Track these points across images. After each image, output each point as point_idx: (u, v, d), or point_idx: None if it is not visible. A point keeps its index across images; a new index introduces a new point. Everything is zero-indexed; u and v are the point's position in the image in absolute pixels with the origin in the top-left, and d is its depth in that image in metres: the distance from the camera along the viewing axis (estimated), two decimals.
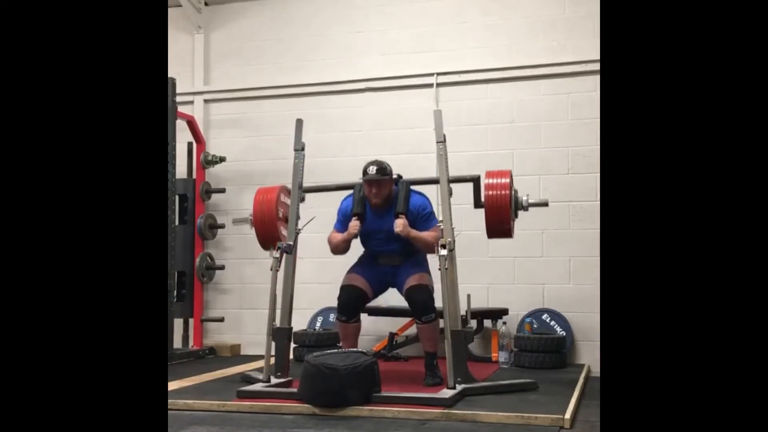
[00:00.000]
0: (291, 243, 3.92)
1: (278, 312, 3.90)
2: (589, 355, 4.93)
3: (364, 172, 3.94)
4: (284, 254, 3.85)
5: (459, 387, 3.50)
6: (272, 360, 3.79)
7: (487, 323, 5.04)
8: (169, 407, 3.14)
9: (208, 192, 5.76)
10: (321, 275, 5.33)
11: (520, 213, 4.13)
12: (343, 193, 4.24)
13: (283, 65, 5.86)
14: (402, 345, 5.06)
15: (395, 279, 4.03)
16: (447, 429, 3.00)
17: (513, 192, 4.02)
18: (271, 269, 3.78)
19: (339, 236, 4.03)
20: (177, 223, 5.48)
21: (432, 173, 4.47)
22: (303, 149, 4.23)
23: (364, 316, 4.19)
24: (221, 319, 5.72)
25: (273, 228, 4.22)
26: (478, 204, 4.14)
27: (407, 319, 4.91)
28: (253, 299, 5.66)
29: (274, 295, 3.80)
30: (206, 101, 6.00)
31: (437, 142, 3.97)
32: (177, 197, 5.49)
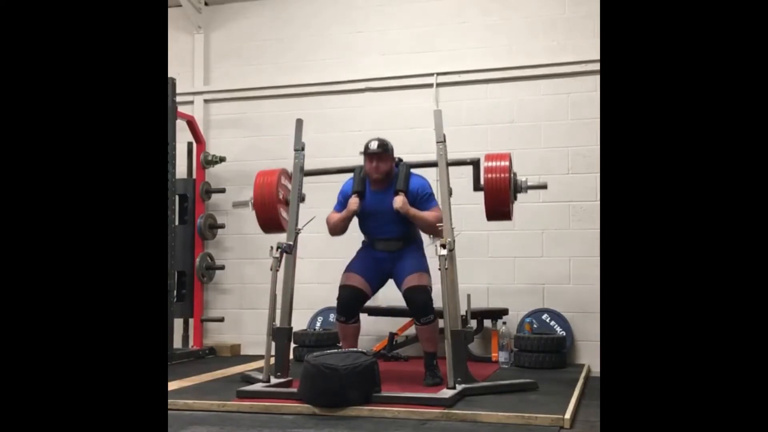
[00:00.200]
0: (291, 243, 3.92)
1: (278, 312, 3.90)
2: (589, 355, 4.93)
3: (366, 147, 3.97)
4: (284, 254, 3.85)
5: (459, 387, 3.50)
6: (272, 360, 3.79)
7: (487, 323, 5.04)
8: (169, 407, 3.14)
9: (208, 192, 5.76)
10: (321, 275, 5.33)
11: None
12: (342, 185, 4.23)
13: (283, 65, 5.87)
14: (402, 345, 5.06)
15: (393, 270, 4.01)
16: (447, 429, 2.99)
17: (512, 175, 4.02)
18: (271, 269, 3.78)
19: (338, 215, 4.04)
20: (177, 223, 5.48)
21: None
22: (303, 149, 4.23)
23: (363, 316, 4.20)
24: (221, 319, 5.72)
25: (273, 211, 4.22)
26: (477, 187, 4.13)
27: (407, 319, 4.91)
28: (253, 299, 5.66)
29: (274, 295, 3.80)
30: (206, 101, 6.00)
31: (437, 142, 3.97)
32: (177, 197, 5.49)
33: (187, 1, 5.82)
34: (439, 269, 3.57)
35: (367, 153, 3.97)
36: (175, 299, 5.33)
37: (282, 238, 4.17)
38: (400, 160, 4.10)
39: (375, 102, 5.61)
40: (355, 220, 4.09)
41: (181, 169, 5.60)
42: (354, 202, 3.97)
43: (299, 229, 4.04)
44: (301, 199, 4.20)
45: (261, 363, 3.95)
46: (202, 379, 4.27)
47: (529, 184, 4.08)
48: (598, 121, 3.01)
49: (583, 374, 4.34)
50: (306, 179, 4.27)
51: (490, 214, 4.06)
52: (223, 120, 5.99)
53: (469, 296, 4.73)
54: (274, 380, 3.71)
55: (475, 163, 4.14)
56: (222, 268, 5.74)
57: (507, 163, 3.99)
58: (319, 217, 4.17)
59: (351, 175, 4.15)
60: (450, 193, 3.91)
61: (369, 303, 4.24)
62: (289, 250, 3.87)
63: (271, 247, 3.80)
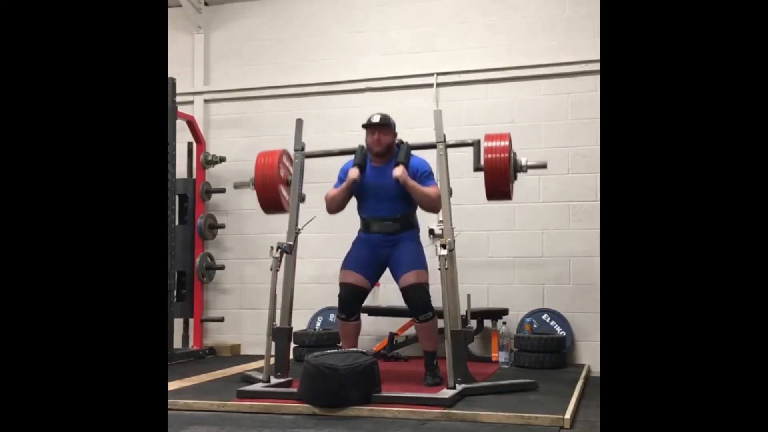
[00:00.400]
0: (291, 243, 3.92)
1: (278, 312, 3.90)
2: (589, 355, 4.93)
3: (368, 120, 3.99)
4: (284, 254, 3.85)
5: (459, 387, 3.50)
6: (272, 360, 3.79)
7: (487, 323, 5.04)
8: (169, 407, 3.14)
9: (208, 192, 5.76)
10: (321, 275, 5.33)
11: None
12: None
13: (283, 65, 5.87)
14: (402, 345, 5.06)
15: (390, 259, 3.98)
16: (447, 429, 2.99)
17: (512, 154, 4.02)
18: (271, 269, 3.78)
19: (336, 189, 4.05)
20: (177, 223, 5.48)
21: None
22: (303, 149, 4.23)
23: (364, 316, 4.19)
24: (221, 319, 5.72)
25: (275, 191, 4.23)
26: (477, 167, 4.13)
27: (407, 319, 4.91)
28: (253, 299, 5.66)
29: (274, 295, 3.80)
30: (206, 101, 6.00)
31: (437, 142, 3.97)
32: (177, 197, 5.49)
33: (187, 1, 5.83)
34: (439, 269, 3.57)
35: (369, 125, 4.00)
36: (175, 299, 5.33)
37: (282, 219, 4.17)
38: (402, 141, 4.10)
39: (375, 102, 5.59)
40: (353, 203, 4.07)
41: (181, 169, 5.60)
42: (354, 171, 3.98)
43: (299, 229, 4.04)
44: (301, 199, 4.20)
45: (261, 363, 3.95)
46: (202, 379, 4.27)
47: (529, 163, 4.09)
48: (598, 121, 3.01)
49: (583, 374, 4.34)
50: (306, 179, 4.27)
51: (491, 193, 4.05)
52: (223, 120, 5.99)
53: (469, 296, 4.73)
54: (274, 380, 3.71)
55: (476, 144, 4.14)
56: (222, 268, 5.74)
57: (507, 143, 3.99)
58: (319, 218, 4.17)
59: (352, 157, 4.15)
60: (450, 193, 3.91)
61: (369, 303, 4.24)
62: (289, 250, 3.87)
63: (271, 247, 3.80)
